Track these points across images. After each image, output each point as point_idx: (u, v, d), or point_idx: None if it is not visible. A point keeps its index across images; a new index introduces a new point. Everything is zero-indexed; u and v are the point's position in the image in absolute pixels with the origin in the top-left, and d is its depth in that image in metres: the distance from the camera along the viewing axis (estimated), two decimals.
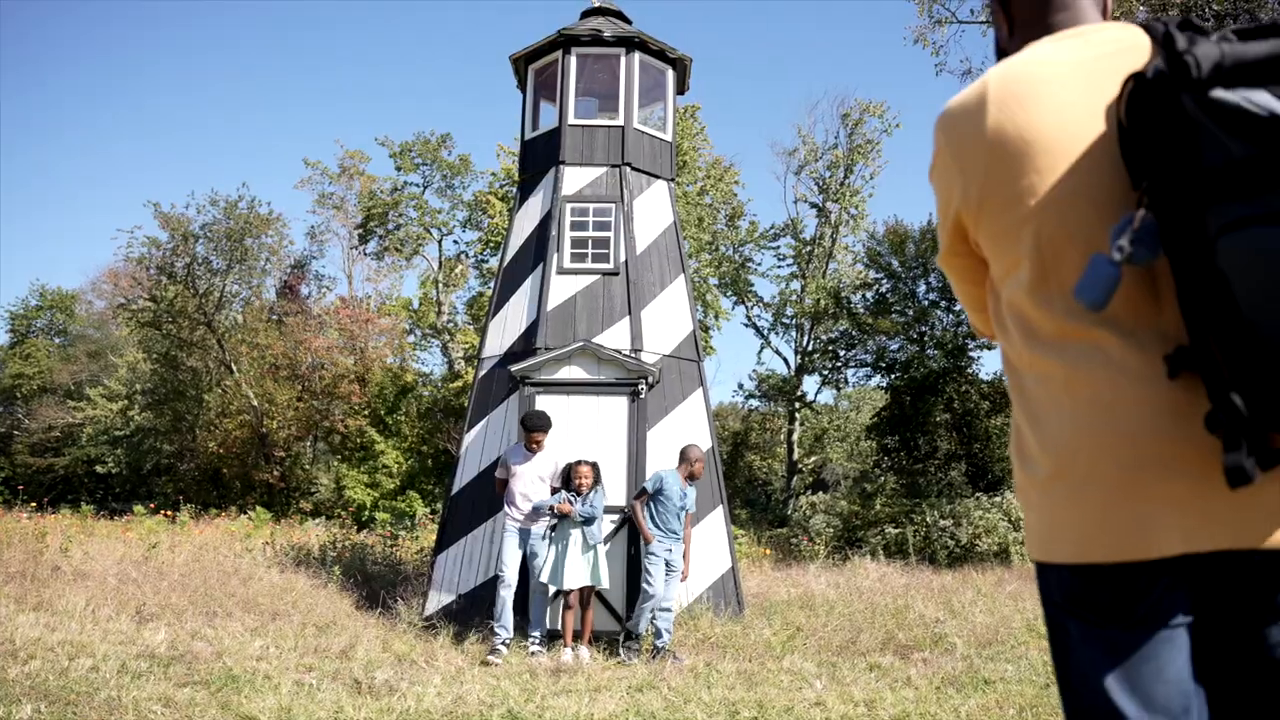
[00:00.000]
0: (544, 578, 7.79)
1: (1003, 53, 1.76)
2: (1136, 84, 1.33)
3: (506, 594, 7.79)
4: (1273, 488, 1.33)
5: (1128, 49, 1.47)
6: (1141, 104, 1.32)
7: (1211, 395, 1.28)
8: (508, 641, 7.64)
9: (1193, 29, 1.33)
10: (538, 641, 7.76)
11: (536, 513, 7.98)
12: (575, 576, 7.71)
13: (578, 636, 7.78)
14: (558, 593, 7.90)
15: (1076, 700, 1.48)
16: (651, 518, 7.99)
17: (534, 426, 8.15)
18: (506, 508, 8.13)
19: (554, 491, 8.07)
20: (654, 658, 7.54)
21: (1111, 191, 1.41)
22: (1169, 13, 17.03)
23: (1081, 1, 1.62)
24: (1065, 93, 1.46)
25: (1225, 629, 1.41)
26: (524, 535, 8.04)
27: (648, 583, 7.79)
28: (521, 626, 8.03)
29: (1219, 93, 1.25)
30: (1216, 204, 1.24)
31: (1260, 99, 1.23)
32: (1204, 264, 1.26)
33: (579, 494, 7.86)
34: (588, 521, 7.80)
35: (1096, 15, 1.63)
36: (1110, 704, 1.41)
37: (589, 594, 7.89)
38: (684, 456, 8.28)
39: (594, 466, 8.05)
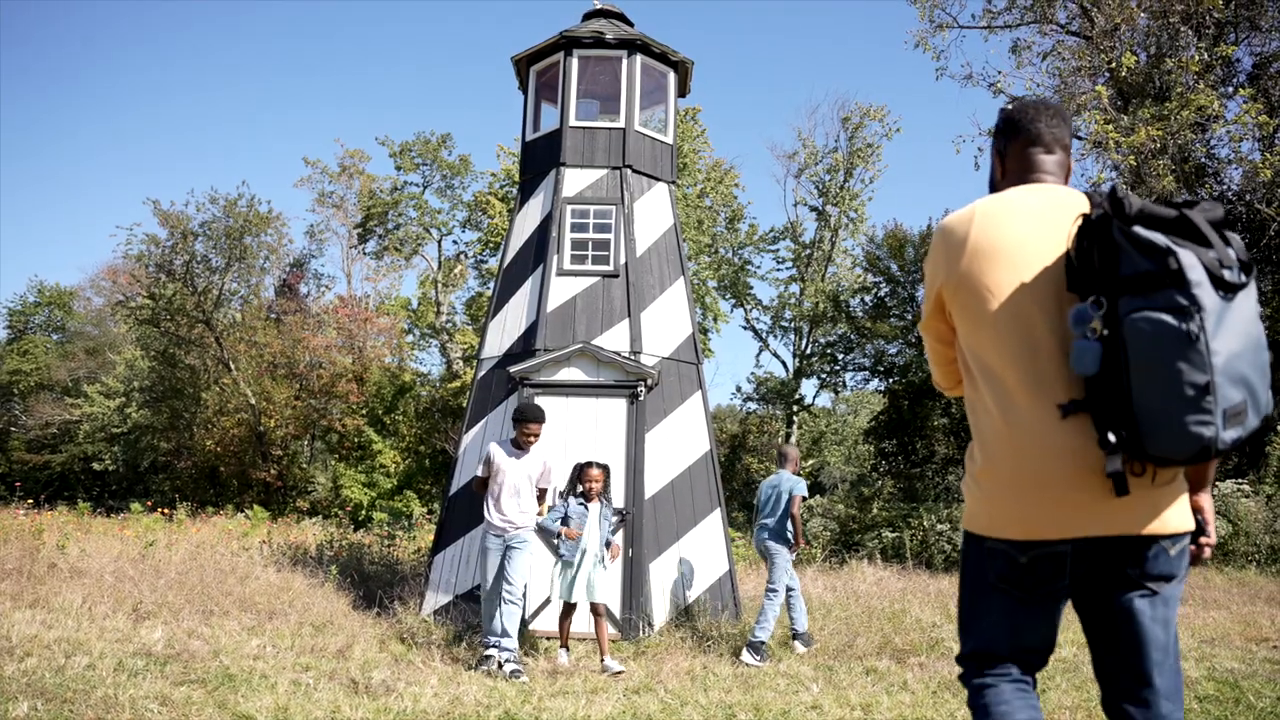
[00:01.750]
0: (560, 594, 7.37)
1: (994, 185, 2.60)
2: (1085, 219, 2.13)
3: (491, 608, 7.26)
4: (1147, 495, 2.12)
5: (1070, 203, 2.30)
6: (1086, 232, 2.12)
7: (1097, 427, 2.08)
8: (495, 649, 7.09)
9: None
10: (511, 649, 7.04)
11: (544, 532, 7.61)
12: (594, 591, 7.34)
13: (569, 645, 7.58)
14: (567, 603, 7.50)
15: (968, 626, 2.37)
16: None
17: (533, 417, 7.46)
18: (487, 512, 7.44)
19: (541, 494, 7.60)
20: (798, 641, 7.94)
21: (1046, 289, 2.20)
22: (1169, 20, 17.05)
23: (1048, 166, 2.47)
24: (1025, 222, 2.29)
25: (1097, 592, 2.21)
26: (511, 541, 7.40)
27: (794, 581, 8.11)
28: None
29: (1137, 228, 2.03)
30: (1125, 297, 2.01)
31: (1158, 237, 2.00)
32: (1113, 334, 2.02)
33: (588, 498, 7.52)
34: (606, 542, 7.53)
35: (1058, 179, 2.47)
36: (1008, 636, 2.28)
37: (601, 605, 7.46)
38: (788, 457, 8.48)
39: (605, 470, 7.65)
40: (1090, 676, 6.55)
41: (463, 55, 73.29)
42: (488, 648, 7.12)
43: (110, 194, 68.29)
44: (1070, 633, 8.40)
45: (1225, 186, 19.47)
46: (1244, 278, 1.99)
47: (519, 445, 7.52)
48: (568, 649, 7.55)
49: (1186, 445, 1.96)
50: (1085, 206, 2.22)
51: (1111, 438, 2.02)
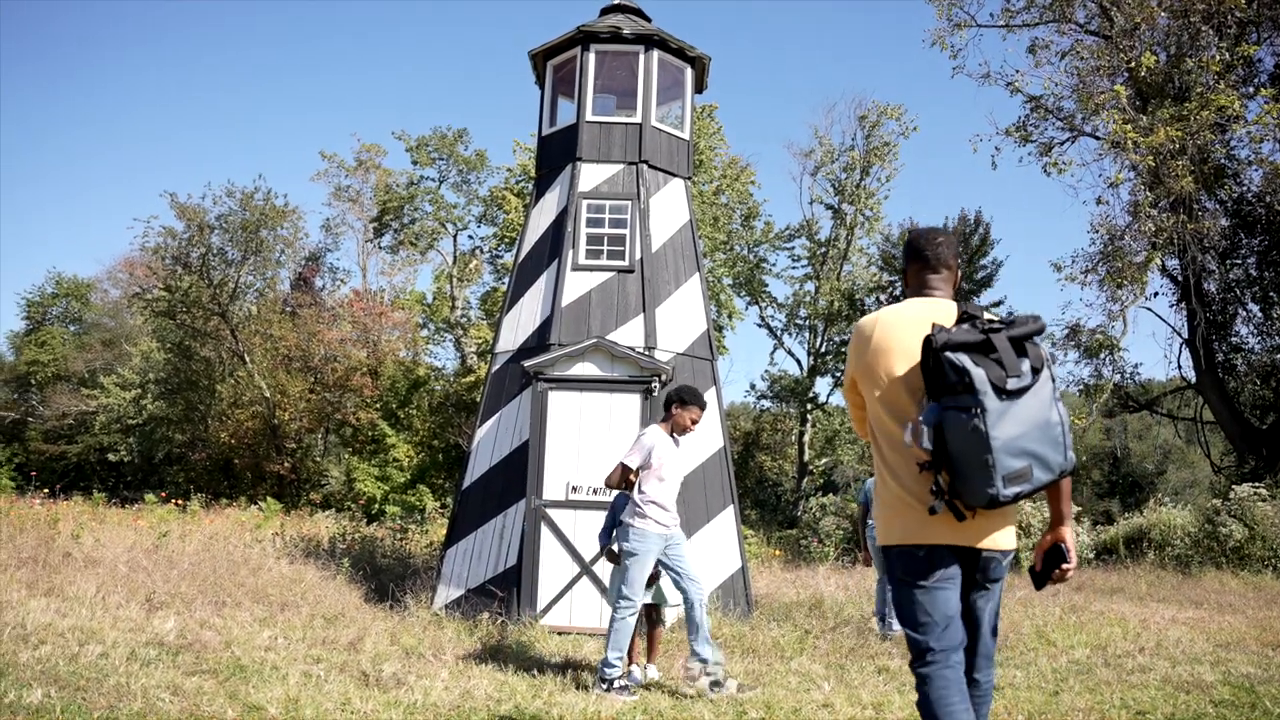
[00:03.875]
0: (652, 597, 6.71)
1: (904, 291, 3.48)
2: (925, 341, 2.95)
3: (633, 623, 6.33)
4: (985, 522, 3.02)
5: (940, 317, 3.11)
6: (924, 351, 2.96)
7: (935, 479, 2.96)
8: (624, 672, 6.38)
9: (970, 318, 3.00)
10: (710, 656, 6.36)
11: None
12: (662, 596, 6.80)
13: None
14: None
15: (904, 619, 3.14)
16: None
17: (701, 403, 6.50)
18: (645, 509, 6.25)
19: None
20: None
21: (916, 381, 3.06)
22: (1190, 20, 16.90)
23: (935, 282, 3.33)
24: (911, 329, 3.13)
25: (965, 587, 3.11)
26: (676, 538, 6.46)
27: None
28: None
29: (947, 353, 2.88)
30: (945, 398, 2.91)
31: (960, 358, 2.86)
32: (941, 422, 2.90)
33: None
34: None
35: (945, 290, 3.33)
36: (918, 619, 3.07)
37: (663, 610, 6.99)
38: None
39: None
40: (1104, 679, 6.52)
41: (480, 50, 73.41)
42: (618, 673, 6.19)
43: (128, 187, 68.75)
44: (1083, 635, 8.35)
45: (1245, 187, 19.29)
46: (1032, 380, 2.86)
47: (675, 432, 6.50)
48: (640, 665, 6.67)
49: (980, 499, 2.86)
50: (951, 319, 3.09)
51: (937, 488, 2.95)
